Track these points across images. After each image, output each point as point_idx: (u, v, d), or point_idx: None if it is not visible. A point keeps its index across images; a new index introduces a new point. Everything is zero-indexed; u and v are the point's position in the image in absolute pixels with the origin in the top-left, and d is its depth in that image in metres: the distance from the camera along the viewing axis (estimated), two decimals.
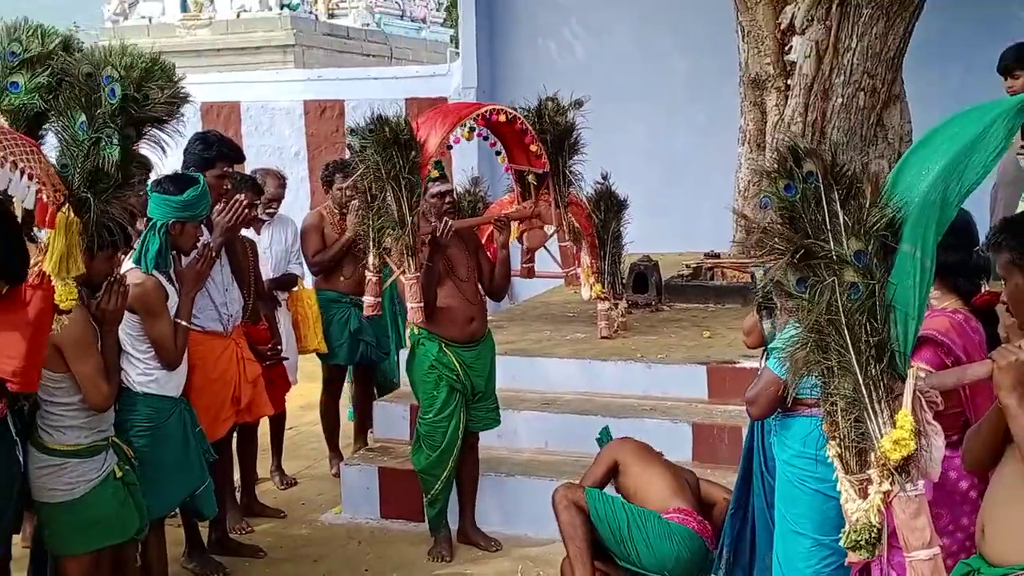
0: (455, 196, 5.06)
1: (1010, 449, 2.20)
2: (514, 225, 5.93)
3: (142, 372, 4.00)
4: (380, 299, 5.14)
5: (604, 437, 4.64)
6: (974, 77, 6.53)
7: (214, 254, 4.49)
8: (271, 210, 5.79)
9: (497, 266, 5.02)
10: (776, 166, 2.26)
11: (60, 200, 2.94)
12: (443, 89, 10.27)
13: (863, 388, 2.22)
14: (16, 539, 3.99)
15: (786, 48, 6.96)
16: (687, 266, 7.59)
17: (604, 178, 6.22)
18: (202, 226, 4.52)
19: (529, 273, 6.38)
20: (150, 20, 23.73)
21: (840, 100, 6.81)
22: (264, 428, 5.67)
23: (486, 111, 5.49)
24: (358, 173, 4.81)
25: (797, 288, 2.23)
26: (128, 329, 3.84)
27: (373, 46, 24.51)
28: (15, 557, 3.85)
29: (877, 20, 6.64)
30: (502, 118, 5.54)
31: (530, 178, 5.90)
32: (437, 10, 30.02)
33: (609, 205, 6.19)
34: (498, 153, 5.97)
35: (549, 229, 6.06)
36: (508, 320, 6.95)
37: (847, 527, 2.29)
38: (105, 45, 3.45)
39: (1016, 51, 5.42)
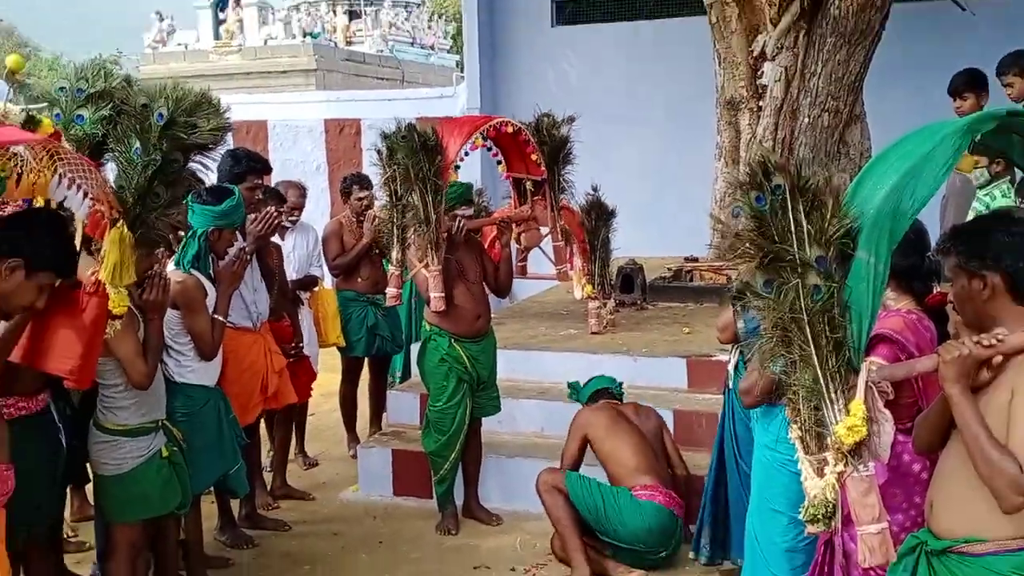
0: (474, 218, 5.15)
1: (955, 434, 2.20)
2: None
3: (181, 364, 4.02)
4: (401, 291, 5.15)
5: (573, 391, 4.77)
6: (928, 99, 6.53)
7: (248, 258, 4.53)
8: (293, 218, 5.80)
9: (501, 264, 5.06)
10: (748, 179, 2.27)
11: (115, 216, 2.97)
12: (449, 109, 10.26)
13: (821, 379, 2.23)
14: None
15: (758, 73, 6.97)
16: (669, 269, 7.60)
17: (594, 190, 6.24)
18: (236, 232, 4.55)
19: (522, 272, 6.42)
20: (186, 47, 23.75)
21: (807, 120, 6.81)
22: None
23: (496, 123, 5.60)
24: (386, 176, 4.84)
25: (764, 289, 2.23)
26: (170, 325, 3.87)
27: (387, 70, 24.54)
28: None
29: (840, 48, 6.64)
30: (509, 129, 5.63)
31: (528, 184, 5.95)
32: (444, 38, 30.05)
33: (599, 214, 6.21)
34: (499, 162, 6.02)
35: (544, 230, 6.08)
36: (508, 317, 6.96)
37: (806, 502, 2.30)
38: (159, 82, 3.53)
39: (964, 76, 5.45)
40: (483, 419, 5.06)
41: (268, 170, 5.08)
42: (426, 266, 4.73)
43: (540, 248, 6.25)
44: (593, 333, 6.18)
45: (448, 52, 29.39)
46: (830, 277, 2.19)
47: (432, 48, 28.91)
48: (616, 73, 9.84)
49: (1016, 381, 2.13)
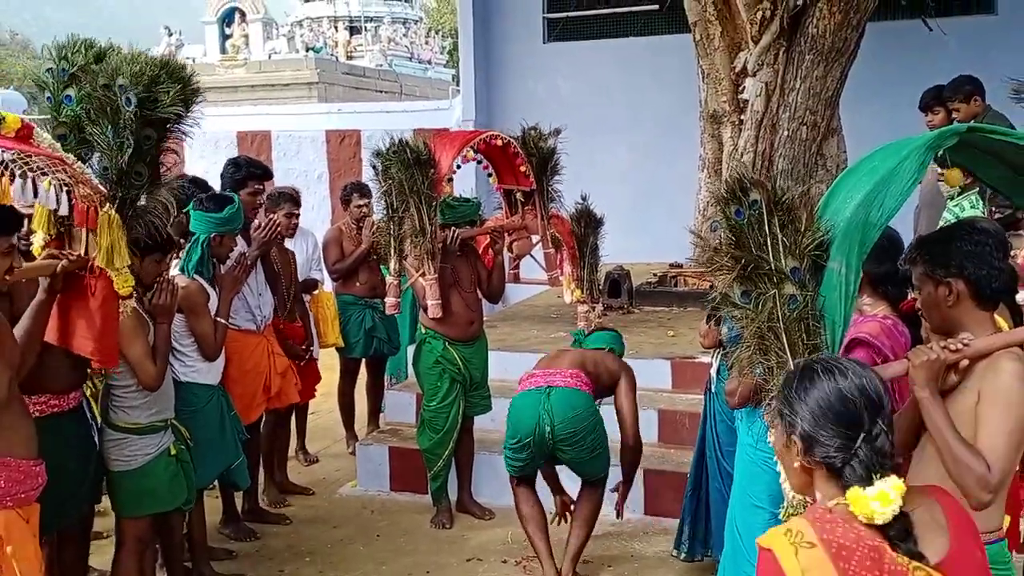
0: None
1: (926, 435, 2.22)
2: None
3: (186, 364, 4.03)
4: (400, 299, 5.14)
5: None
6: (901, 113, 6.56)
7: (250, 263, 4.53)
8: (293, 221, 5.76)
9: (494, 271, 5.07)
10: (727, 194, 2.28)
11: (101, 200, 2.90)
12: (446, 121, 10.27)
13: None
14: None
15: (740, 88, 6.97)
16: (654, 275, 7.62)
17: (583, 199, 6.23)
18: (240, 238, 4.55)
19: (515, 278, 6.44)
20: (194, 60, 23.68)
21: (786, 133, 6.81)
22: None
23: (486, 136, 5.59)
24: (383, 189, 4.83)
25: (742, 299, 2.24)
26: (174, 328, 3.86)
27: (386, 84, 24.54)
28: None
29: (818, 65, 6.65)
30: (499, 143, 5.63)
31: (518, 195, 5.96)
32: (441, 53, 30.10)
33: (588, 222, 6.19)
34: (489, 175, 6.03)
35: (534, 238, 6.09)
36: (500, 320, 6.97)
37: (784, 503, 2.31)
38: (119, 54, 3.25)
39: (933, 91, 5.49)
40: (475, 417, 5.06)
41: (268, 176, 5.07)
42: (423, 275, 4.73)
43: (531, 255, 6.26)
44: None
45: (444, 66, 29.44)
46: (805, 287, 2.20)
47: (429, 62, 28.95)
48: (605, 87, 9.86)
49: (981, 384, 2.15)
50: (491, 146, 5.64)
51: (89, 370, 3.52)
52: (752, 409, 3.31)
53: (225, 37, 23.93)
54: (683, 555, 4.16)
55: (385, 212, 4.88)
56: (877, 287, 2.81)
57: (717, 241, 2.26)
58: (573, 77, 10.01)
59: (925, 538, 1.63)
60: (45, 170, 2.71)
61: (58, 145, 2.87)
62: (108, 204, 2.93)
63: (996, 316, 2.34)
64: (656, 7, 9.42)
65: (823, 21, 6.52)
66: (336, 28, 27.57)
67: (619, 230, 6.77)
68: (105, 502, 3.86)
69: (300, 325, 5.26)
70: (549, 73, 10.09)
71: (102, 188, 2.97)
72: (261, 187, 4.92)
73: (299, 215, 5.54)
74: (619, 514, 4.22)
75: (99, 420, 3.59)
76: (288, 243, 5.74)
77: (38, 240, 3.07)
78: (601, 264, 6.45)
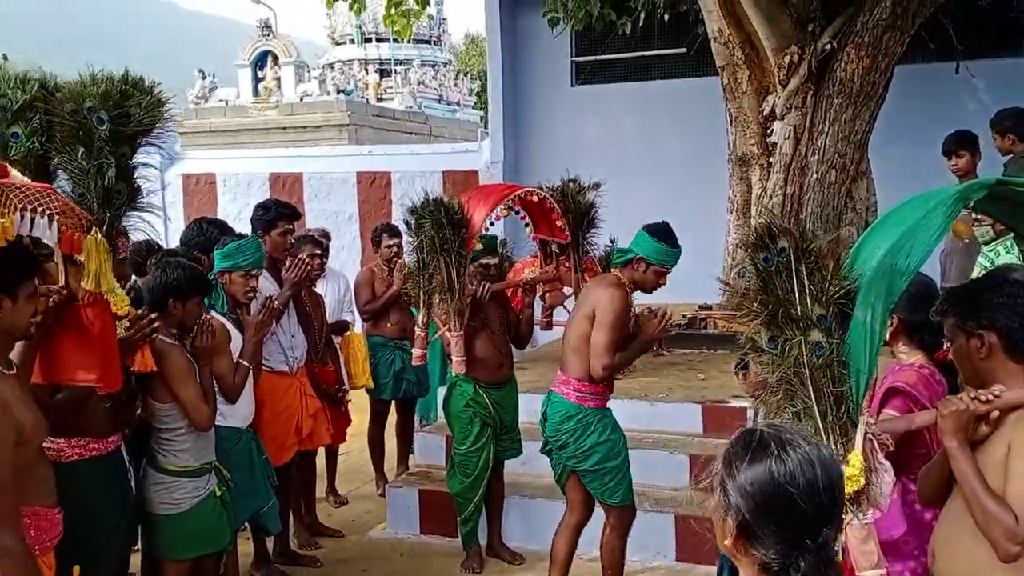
0: (498, 268, 5.15)
1: (956, 486, 2.22)
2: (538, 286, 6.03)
3: None
4: (427, 351, 5.13)
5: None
6: (930, 155, 6.56)
7: (281, 307, 4.59)
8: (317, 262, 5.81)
9: (523, 321, 5.10)
10: (755, 241, 2.33)
11: (86, 226, 2.91)
12: (474, 163, 10.38)
13: (822, 431, 2.25)
14: None
15: (768, 131, 7.02)
16: (684, 316, 7.60)
17: (612, 242, 6.28)
18: (272, 280, 4.62)
19: (547, 326, 6.45)
20: (227, 103, 24.15)
21: (815, 176, 6.83)
22: (320, 454, 5.69)
23: (522, 192, 5.58)
24: (414, 246, 4.84)
25: (769, 345, 2.27)
26: None
27: (415, 125, 24.88)
28: None
29: (846, 108, 6.69)
30: (534, 198, 5.64)
31: (553, 247, 5.98)
32: (469, 95, 30.47)
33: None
34: (526, 225, 6.03)
35: (567, 290, 6.09)
36: (531, 362, 6.98)
37: None
38: (78, 77, 3.26)
39: (955, 137, 5.52)
40: (505, 461, 5.07)
41: (297, 216, 5.11)
42: (449, 330, 4.78)
43: (564, 307, 6.26)
44: None
45: (473, 108, 29.77)
46: (831, 334, 2.22)
47: (458, 104, 29.32)
48: (632, 130, 9.95)
49: (1012, 436, 2.15)
50: (527, 200, 5.67)
51: (140, 413, 3.58)
52: None
53: (258, 80, 24.38)
54: None
55: (416, 264, 4.90)
56: (913, 335, 2.82)
57: (745, 287, 2.30)
58: (601, 120, 10.11)
59: None
60: (41, 202, 2.72)
61: (27, 180, 2.87)
62: (95, 228, 2.95)
63: None
64: (684, 51, 9.53)
65: (851, 65, 6.57)
66: (367, 71, 28.03)
67: None
68: None
69: (331, 368, 5.32)
70: (577, 116, 10.20)
71: (87, 214, 2.99)
72: (291, 227, 4.99)
73: (322, 255, 5.56)
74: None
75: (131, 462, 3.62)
76: (320, 285, 5.83)
77: None
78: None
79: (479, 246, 4.93)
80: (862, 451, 2.22)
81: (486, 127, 11.96)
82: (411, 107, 26.11)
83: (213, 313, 4.09)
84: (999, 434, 2.18)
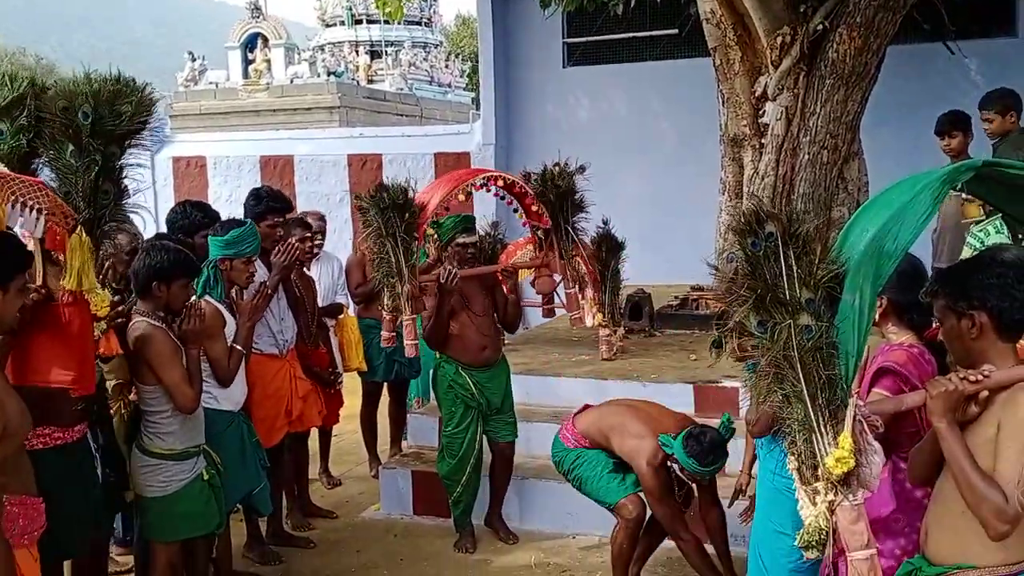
0: (477, 246, 5.08)
1: (947, 467, 2.23)
2: (529, 271, 5.98)
3: (203, 391, 4.07)
4: (395, 333, 5.06)
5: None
6: (921, 135, 6.57)
7: (270, 291, 4.59)
8: (318, 242, 5.79)
9: (509, 306, 5.08)
10: (744, 226, 2.32)
11: (72, 225, 2.91)
12: (466, 145, 10.35)
13: (812, 414, 2.26)
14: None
15: (760, 112, 6.98)
16: (676, 297, 7.62)
17: (604, 223, 6.29)
18: (261, 265, 4.61)
19: (549, 313, 6.42)
20: (216, 85, 24.01)
21: (806, 157, 6.81)
22: (313, 436, 5.71)
23: (485, 177, 5.47)
24: (366, 234, 4.82)
25: (758, 329, 2.27)
26: None
27: (406, 107, 24.78)
28: None
29: (838, 89, 6.66)
30: (500, 183, 5.55)
31: (539, 232, 5.93)
32: (460, 76, 30.35)
33: (609, 246, 6.25)
34: (515, 210, 5.96)
35: (557, 276, 6.05)
36: (523, 344, 7.00)
37: (802, 530, 2.33)
38: (72, 76, 3.27)
39: (948, 117, 5.53)
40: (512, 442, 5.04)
41: (288, 209, 5.09)
42: (399, 313, 4.75)
43: (556, 293, 6.25)
44: (604, 359, 6.20)
45: (464, 90, 29.67)
46: (820, 317, 2.23)
47: (449, 86, 29.19)
48: (624, 111, 9.93)
49: (1001, 415, 2.16)
50: (508, 184, 5.60)
51: (132, 396, 3.58)
52: (773, 436, 3.33)
53: (248, 62, 24.23)
54: None
55: (374, 252, 4.84)
56: (902, 315, 2.82)
57: (733, 272, 2.30)
58: (592, 101, 10.08)
59: None
60: (33, 197, 2.74)
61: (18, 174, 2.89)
62: (79, 226, 2.94)
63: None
64: (675, 32, 9.49)
65: (843, 45, 6.54)
66: (357, 52, 27.88)
67: (639, 252, 6.81)
68: None
69: (324, 351, 5.31)
70: (569, 97, 10.17)
71: (73, 212, 2.99)
72: (281, 219, 4.97)
73: (313, 237, 5.50)
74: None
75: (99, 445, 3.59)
76: (313, 268, 5.82)
77: None
78: (622, 287, 6.50)
79: (430, 230, 4.89)
80: (852, 433, 2.23)
81: (478, 109, 11.93)
82: (402, 89, 26.01)
83: (208, 299, 4.08)
84: (989, 414, 2.19)
